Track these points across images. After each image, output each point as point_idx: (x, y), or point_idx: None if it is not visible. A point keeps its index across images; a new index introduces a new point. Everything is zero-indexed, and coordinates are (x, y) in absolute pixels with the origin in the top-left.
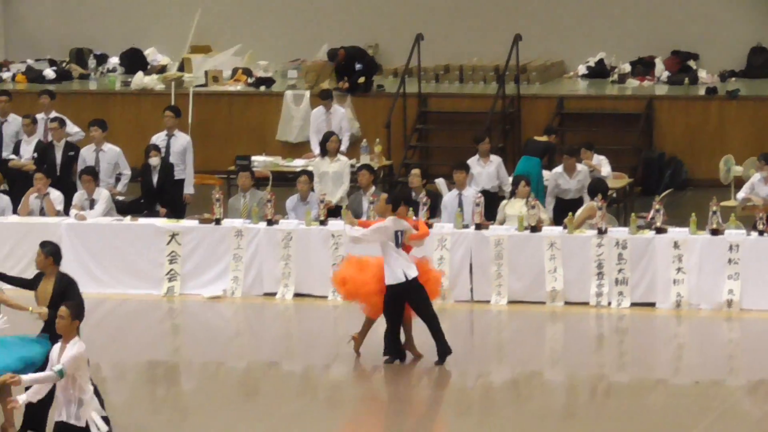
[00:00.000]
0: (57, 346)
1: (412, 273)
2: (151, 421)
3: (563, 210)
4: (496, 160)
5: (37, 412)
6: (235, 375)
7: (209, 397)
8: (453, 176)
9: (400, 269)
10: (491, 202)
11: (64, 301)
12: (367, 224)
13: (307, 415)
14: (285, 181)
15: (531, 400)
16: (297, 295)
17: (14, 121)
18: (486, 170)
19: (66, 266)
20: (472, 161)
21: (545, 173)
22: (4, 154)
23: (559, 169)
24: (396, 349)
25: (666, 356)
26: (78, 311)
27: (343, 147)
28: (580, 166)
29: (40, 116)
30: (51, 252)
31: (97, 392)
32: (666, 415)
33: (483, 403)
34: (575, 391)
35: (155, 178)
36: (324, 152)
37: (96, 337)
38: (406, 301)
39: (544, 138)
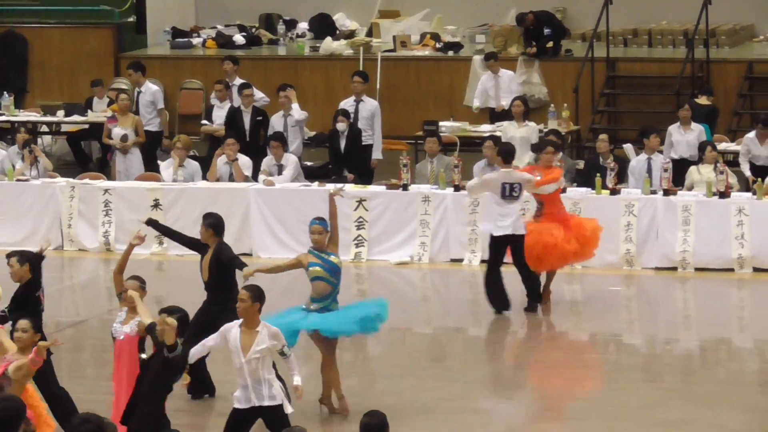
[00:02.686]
0: (237, 330)
1: (500, 230)
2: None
3: (754, 176)
4: (697, 128)
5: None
6: (422, 340)
7: (396, 362)
8: (642, 141)
9: (492, 222)
10: (683, 169)
11: (245, 286)
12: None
13: (493, 380)
14: (472, 146)
15: (719, 366)
16: (483, 261)
17: (148, 90)
18: (686, 138)
19: (253, 231)
20: (673, 128)
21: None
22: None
23: (751, 134)
24: (501, 300)
25: None
26: (258, 294)
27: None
28: None
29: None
30: (212, 224)
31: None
32: None
33: (671, 370)
34: (765, 358)
35: (343, 144)
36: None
37: (284, 303)
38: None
39: (704, 100)
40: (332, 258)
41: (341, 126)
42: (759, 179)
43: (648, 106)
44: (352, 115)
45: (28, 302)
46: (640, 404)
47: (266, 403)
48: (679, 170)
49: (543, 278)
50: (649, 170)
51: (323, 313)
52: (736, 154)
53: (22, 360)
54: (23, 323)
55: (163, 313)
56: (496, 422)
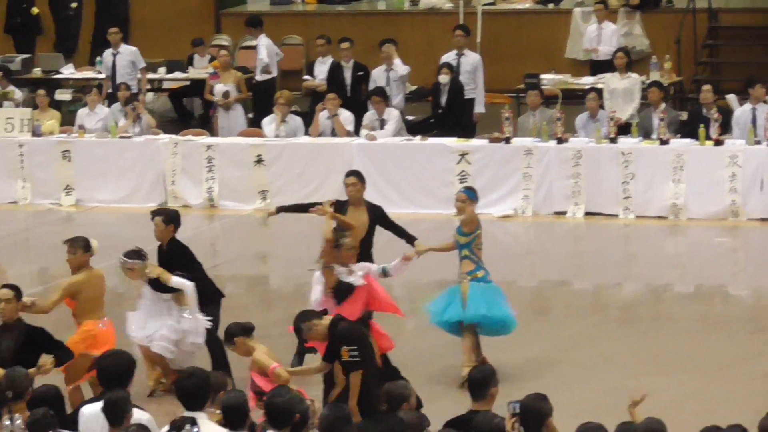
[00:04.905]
0: None
1: None
2: None
3: None
4: None
5: None
6: (526, 293)
7: None
8: (747, 92)
9: None
10: None
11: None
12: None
13: (597, 333)
14: (574, 99)
15: None
16: (587, 213)
17: (126, 51)
18: None
19: None
20: None
21: None
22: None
23: None
24: None
25: None
26: None
27: (603, 56)
28: None
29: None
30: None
31: None
32: None
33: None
34: None
35: (444, 98)
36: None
37: (387, 258)
38: None
39: None
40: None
41: (444, 78)
42: None
43: (751, 56)
44: (454, 69)
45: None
46: (746, 355)
47: None
48: None
49: None
50: (754, 120)
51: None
52: None
53: None
54: None
55: None
56: (599, 375)
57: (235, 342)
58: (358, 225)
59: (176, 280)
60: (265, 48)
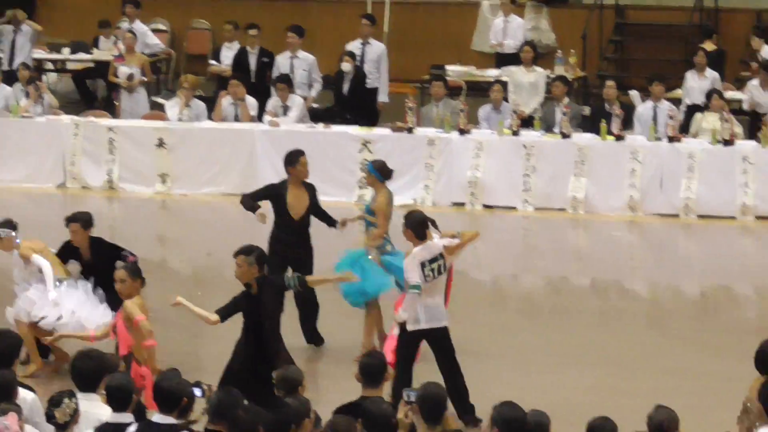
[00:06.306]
0: None
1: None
2: None
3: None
4: (711, 75)
5: None
6: None
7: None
8: (649, 88)
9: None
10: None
11: None
12: None
13: (496, 325)
14: (479, 91)
15: (720, 314)
16: (486, 206)
17: (27, 30)
18: (700, 85)
19: (259, 172)
20: (689, 74)
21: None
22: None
23: (755, 81)
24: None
25: None
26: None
27: (508, 50)
28: None
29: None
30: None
31: None
32: None
33: (673, 317)
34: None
35: (347, 86)
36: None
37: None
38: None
39: (709, 45)
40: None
41: (346, 67)
42: (765, 127)
43: (656, 54)
44: (358, 58)
45: None
46: (642, 350)
47: None
48: (693, 116)
49: None
50: (655, 117)
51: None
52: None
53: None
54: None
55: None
56: (493, 369)
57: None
58: (300, 204)
59: (35, 257)
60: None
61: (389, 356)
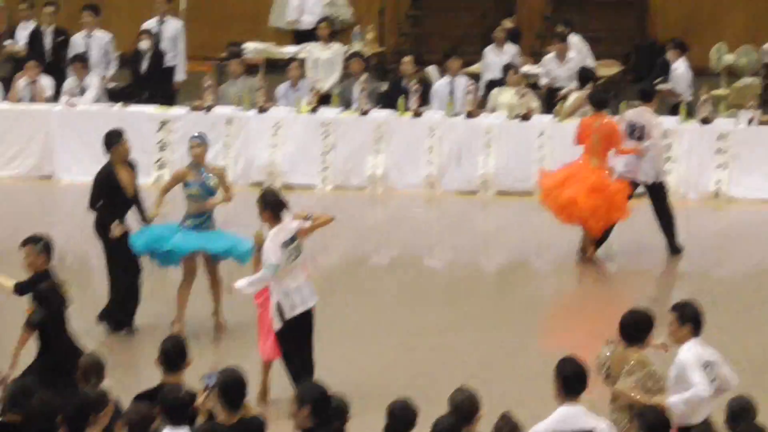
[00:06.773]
0: None
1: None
2: None
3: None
4: (510, 50)
5: None
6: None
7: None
8: (446, 64)
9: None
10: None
11: None
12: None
13: None
14: (277, 69)
15: (517, 290)
16: (286, 185)
17: None
18: (500, 59)
19: (56, 154)
20: (488, 49)
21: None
22: None
23: (550, 55)
24: None
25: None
26: None
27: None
28: (571, 53)
29: None
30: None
31: None
32: None
33: (469, 293)
34: (563, 282)
35: (145, 65)
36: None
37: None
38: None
39: (508, 23)
40: (210, 182)
41: (143, 45)
42: (560, 102)
43: (455, 29)
44: (156, 36)
45: None
46: (440, 327)
47: None
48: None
49: None
50: (452, 93)
51: (202, 233)
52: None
53: None
54: None
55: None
56: None
57: None
58: (131, 182)
59: None
60: None
61: (273, 353)
